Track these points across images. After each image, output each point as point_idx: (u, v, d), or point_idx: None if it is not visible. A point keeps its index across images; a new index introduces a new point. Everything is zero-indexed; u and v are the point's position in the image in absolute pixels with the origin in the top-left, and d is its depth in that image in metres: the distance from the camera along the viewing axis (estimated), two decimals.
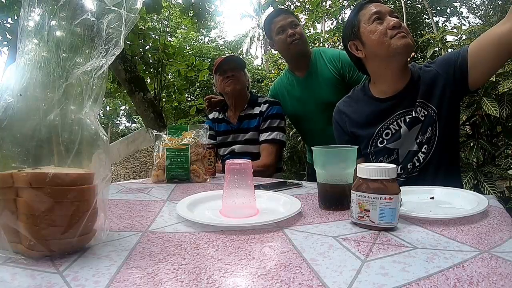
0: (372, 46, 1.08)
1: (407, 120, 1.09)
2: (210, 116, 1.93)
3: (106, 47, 0.55)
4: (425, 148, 1.09)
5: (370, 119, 1.15)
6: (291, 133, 3.33)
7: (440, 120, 1.08)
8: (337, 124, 1.24)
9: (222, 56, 1.80)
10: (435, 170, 1.10)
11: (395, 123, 1.11)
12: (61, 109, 0.53)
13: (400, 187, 0.63)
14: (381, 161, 1.15)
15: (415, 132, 1.10)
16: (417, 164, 1.11)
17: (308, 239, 0.58)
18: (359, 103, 1.19)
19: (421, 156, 1.10)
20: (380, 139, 1.14)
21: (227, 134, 1.82)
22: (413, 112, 1.09)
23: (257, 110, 1.76)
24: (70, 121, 0.54)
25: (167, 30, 4.57)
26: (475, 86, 1.06)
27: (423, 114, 1.08)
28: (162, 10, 3.47)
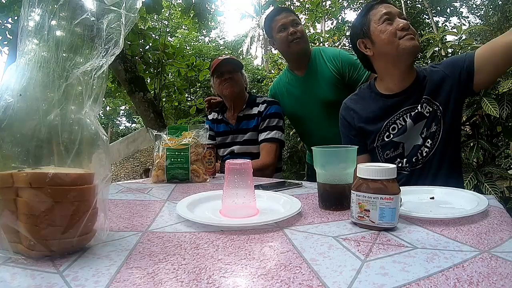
0: (381, 45, 1.13)
1: (412, 114, 1.15)
2: (210, 116, 1.93)
3: (106, 47, 0.55)
4: (428, 143, 1.14)
5: (377, 114, 1.20)
6: (291, 133, 3.33)
7: (444, 117, 1.13)
8: (344, 120, 1.28)
9: (219, 58, 1.78)
10: (438, 165, 1.15)
11: (401, 118, 1.16)
12: (61, 109, 0.53)
13: (400, 187, 0.63)
14: (387, 155, 1.20)
15: (420, 127, 1.15)
16: (420, 157, 1.16)
17: (308, 239, 0.58)
18: (366, 100, 1.23)
19: (425, 150, 1.15)
20: (387, 133, 1.18)
21: (226, 135, 1.82)
22: (419, 107, 1.14)
23: (255, 110, 1.75)
24: (70, 121, 0.54)
25: (167, 30, 4.57)
26: (479, 88, 1.13)
27: (428, 110, 1.13)
28: (162, 10, 3.47)
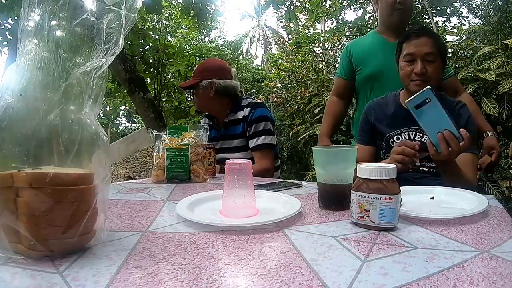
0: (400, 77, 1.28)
1: (417, 136, 1.24)
2: (202, 121, 1.95)
3: (106, 46, 0.55)
4: (427, 173, 1.23)
5: (390, 121, 1.31)
6: (291, 133, 3.33)
7: None
8: (365, 115, 1.41)
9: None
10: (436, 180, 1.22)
11: (406, 134, 1.27)
12: (61, 109, 0.53)
13: (400, 187, 0.63)
14: (387, 156, 1.28)
15: (422, 156, 1.20)
16: (419, 174, 1.24)
17: (308, 239, 0.58)
18: (388, 105, 1.35)
19: (424, 169, 1.24)
20: (392, 140, 1.29)
21: (216, 140, 1.80)
22: (427, 138, 1.19)
23: (240, 114, 1.72)
24: (70, 121, 0.54)
25: (167, 30, 4.57)
26: None
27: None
28: (162, 10, 3.47)
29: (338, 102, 1.86)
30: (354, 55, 1.76)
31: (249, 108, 1.71)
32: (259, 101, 1.79)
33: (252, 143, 1.67)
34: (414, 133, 1.25)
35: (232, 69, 1.82)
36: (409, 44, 1.21)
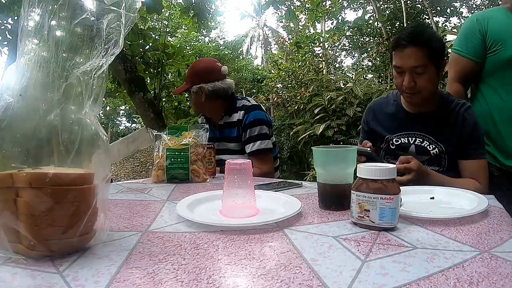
0: None
1: (417, 141, 1.22)
2: (199, 120, 1.95)
3: (106, 46, 0.55)
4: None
5: (390, 122, 1.29)
6: (291, 133, 3.33)
7: (448, 160, 1.19)
8: (365, 116, 1.41)
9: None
10: None
11: (405, 138, 1.24)
12: (61, 109, 0.53)
13: (400, 187, 0.64)
14: (387, 159, 1.28)
15: (421, 159, 1.20)
16: None
17: (308, 239, 0.58)
18: (389, 104, 1.33)
19: None
20: (391, 142, 1.27)
21: (213, 141, 1.81)
22: (427, 143, 1.20)
23: (235, 117, 1.71)
24: (70, 121, 0.54)
25: (167, 30, 4.57)
26: None
27: (434, 152, 1.20)
28: (163, 10, 3.47)
29: (463, 92, 1.47)
30: (491, 31, 1.39)
31: (243, 111, 1.68)
32: (254, 102, 1.76)
33: (248, 148, 1.65)
34: (414, 138, 1.22)
35: (223, 67, 1.76)
36: (396, 56, 1.14)
